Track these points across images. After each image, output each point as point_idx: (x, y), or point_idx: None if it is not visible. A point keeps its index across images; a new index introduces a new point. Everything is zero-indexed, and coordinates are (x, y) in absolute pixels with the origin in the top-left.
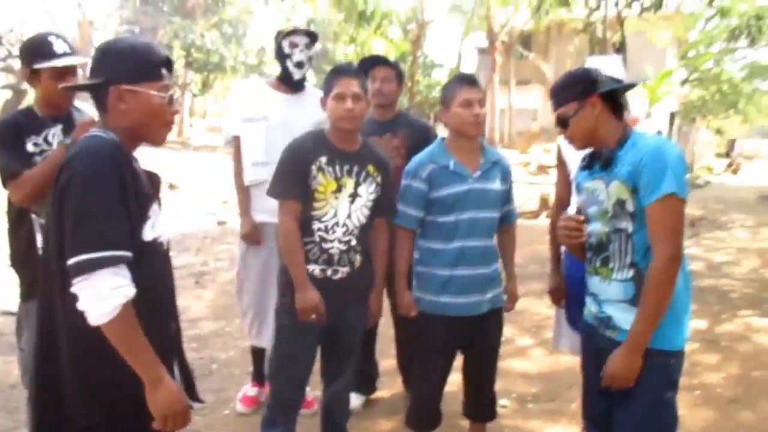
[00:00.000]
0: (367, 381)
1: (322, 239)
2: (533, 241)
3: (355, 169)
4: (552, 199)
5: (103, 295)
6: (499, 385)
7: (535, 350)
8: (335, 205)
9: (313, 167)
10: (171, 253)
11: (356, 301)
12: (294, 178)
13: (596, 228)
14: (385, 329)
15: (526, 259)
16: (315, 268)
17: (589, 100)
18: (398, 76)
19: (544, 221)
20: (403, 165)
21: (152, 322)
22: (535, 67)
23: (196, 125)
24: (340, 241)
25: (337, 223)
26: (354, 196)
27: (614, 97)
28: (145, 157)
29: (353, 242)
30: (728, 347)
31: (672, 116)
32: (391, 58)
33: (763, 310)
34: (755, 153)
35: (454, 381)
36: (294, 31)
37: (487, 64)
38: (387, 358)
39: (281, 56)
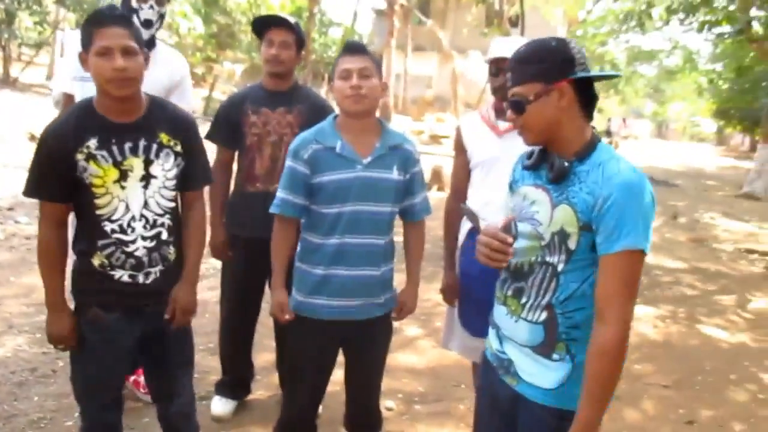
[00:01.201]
0: (240, 384)
1: (122, 242)
2: None
3: (142, 144)
4: (444, 172)
5: None
6: (385, 384)
7: (423, 342)
8: (123, 196)
9: (79, 156)
10: (23, 219)
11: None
12: (49, 173)
13: (520, 248)
14: (266, 318)
15: None
16: (122, 275)
17: (558, 85)
18: (298, 42)
19: (436, 194)
20: None
21: None
22: (432, 34)
23: None
24: (144, 238)
25: (133, 218)
26: (147, 178)
27: (589, 88)
28: (3, 101)
29: (163, 235)
30: None
31: None
32: (290, 17)
33: (643, 298)
34: (629, 133)
35: (338, 380)
36: None
37: (384, 27)
38: (265, 352)
39: (127, 9)
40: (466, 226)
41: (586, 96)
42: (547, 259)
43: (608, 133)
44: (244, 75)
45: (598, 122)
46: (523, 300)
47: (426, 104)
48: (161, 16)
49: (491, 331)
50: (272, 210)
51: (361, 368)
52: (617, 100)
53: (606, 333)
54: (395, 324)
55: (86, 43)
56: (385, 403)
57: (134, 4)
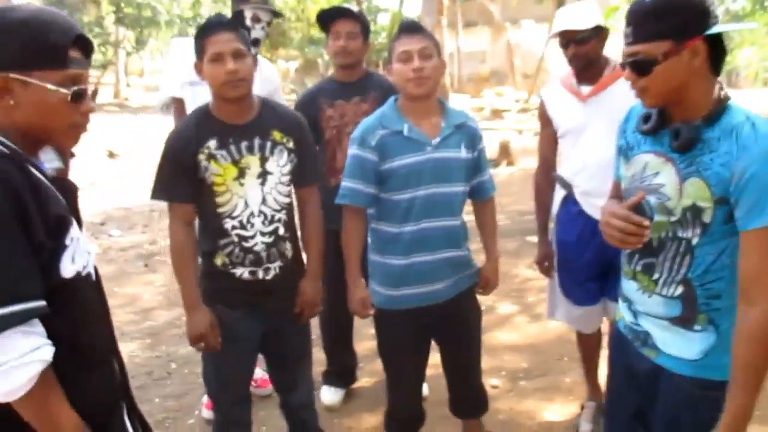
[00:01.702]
0: (345, 372)
1: (242, 238)
2: (496, 193)
3: (257, 142)
4: (512, 146)
5: (13, 363)
6: (487, 363)
7: (519, 318)
8: (242, 193)
9: (201, 157)
10: (116, 233)
11: (294, 300)
12: (177, 175)
13: (654, 228)
14: None
15: None
16: (243, 272)
17: (691, 44)
18: (364, 31)
19: (505, 170)
20: None
21: (83, 378)
22: (482, 8)
23: (133, 84)
24: (262, 234)
25: (252, 214)
26: (263, 175)
27: (720, 45)
28: None
29: (281, 230)
30: None
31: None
32: (352, 6)
33: None
34: None
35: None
36: (262, 4)
37: (433, 6)
38: (365, 340)
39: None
40: (559, 194)
41: (716, 51)
42: (680, 234)
43: None
44: (299, 71)
45: None
46: (656, 276)
47: (482, 80)
48: (266, 36)
49: (622, 304)
50: (341, 201)
51: (458, 348)
52: None
53: (755, 315)
54: (488, 302)
55: (200, 52)
56: (490, 382)
57: (248, 23)
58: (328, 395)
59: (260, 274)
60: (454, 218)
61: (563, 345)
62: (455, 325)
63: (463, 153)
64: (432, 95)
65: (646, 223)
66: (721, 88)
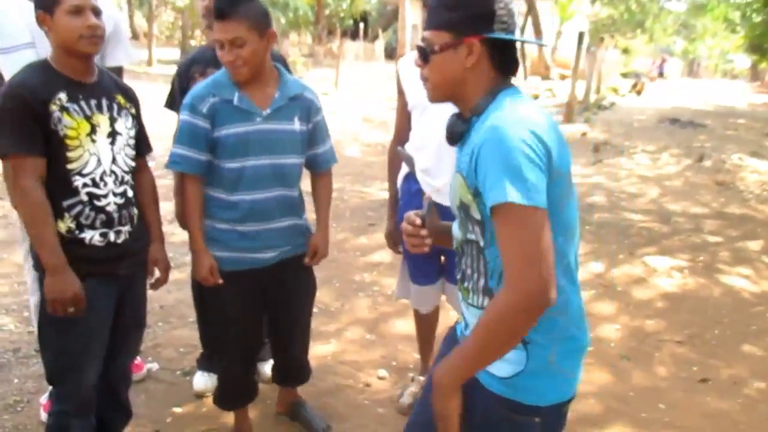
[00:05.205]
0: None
1: (93, 196)
2: None
3: (105, 102)
4: None
5: None
6: (378, 353)
7: None
8: (95, 150)
9: (53, 107)
10: None
11: (140, 266)
12: (27, 124)
13: (454, 230)
14: None
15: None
16: (93, 235)
17: (468, 41)
18: None
19: None
20: None
21: None
22: None
23: None
24: (115, 194)
25: (105, 173)
26: (113, 135)
27: (506, 50)
28: None
29: (129, 193)
30: (623, 293)
31: (581, 36)
32: None
33: (660, 247)
34: (656, 74)
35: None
36: None
37: None
38: None
39: None
40: (403, 170)
41: (503, 56)
42: (468, 236)
43: (662, 75)
44: None
45: (625, 65)
46: (466, 284)
47: None
48: None
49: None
50: (171, 167)
51: (282, 313)
52: (644, 39)
53: (499, 295)
54: (393, 289)
55: (50, 3)
56: (378, 373)
57: None
58: (201, 381)
59: (111, 237)
60: (289, 189)
61: None
62: (281, 290)
63: (297, 125)
64: (255, 76)
65: (418, 222)
66: (502, 84)
